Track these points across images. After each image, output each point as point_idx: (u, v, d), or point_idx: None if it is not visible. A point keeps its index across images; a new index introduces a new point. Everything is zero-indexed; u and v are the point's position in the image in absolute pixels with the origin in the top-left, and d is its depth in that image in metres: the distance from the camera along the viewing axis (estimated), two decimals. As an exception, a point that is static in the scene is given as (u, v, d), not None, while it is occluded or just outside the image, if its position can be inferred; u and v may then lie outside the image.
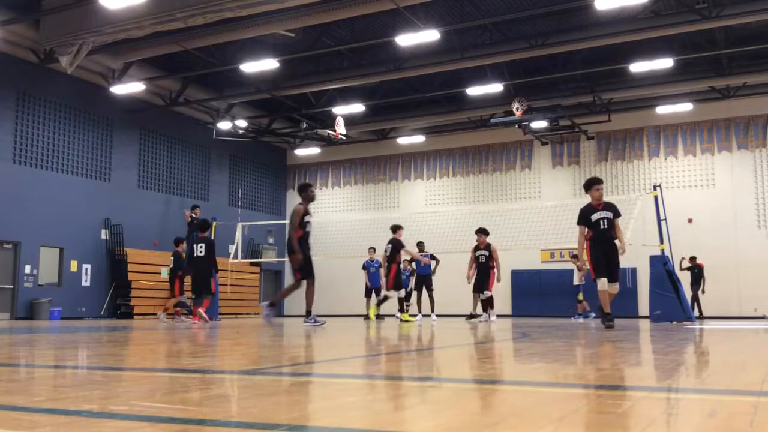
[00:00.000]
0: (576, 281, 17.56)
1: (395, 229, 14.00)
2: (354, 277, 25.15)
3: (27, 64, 17.69)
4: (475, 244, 13.81)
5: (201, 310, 12.74)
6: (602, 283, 8.42)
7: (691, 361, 3.89)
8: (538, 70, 19.41)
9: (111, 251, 19.87)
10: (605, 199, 8.92)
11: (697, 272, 18.80)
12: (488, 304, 13.55)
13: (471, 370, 3.41)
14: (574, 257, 18.24)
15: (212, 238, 14.73)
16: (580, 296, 17.28)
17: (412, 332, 7.94)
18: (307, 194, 9.62)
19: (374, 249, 18.07)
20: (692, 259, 18.78)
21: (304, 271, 9.17)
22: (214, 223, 17.26)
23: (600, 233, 8.54)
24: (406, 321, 13.44)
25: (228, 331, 8.29)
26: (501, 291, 22.83)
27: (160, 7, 13.68)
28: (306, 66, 20.09)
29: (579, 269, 17.77)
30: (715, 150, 21.19)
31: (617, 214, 8.70)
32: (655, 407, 1.99)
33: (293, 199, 27.25)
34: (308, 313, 9.43)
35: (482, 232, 13.77)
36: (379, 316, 14.85)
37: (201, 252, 13.15)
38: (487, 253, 13.53)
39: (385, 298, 14.15)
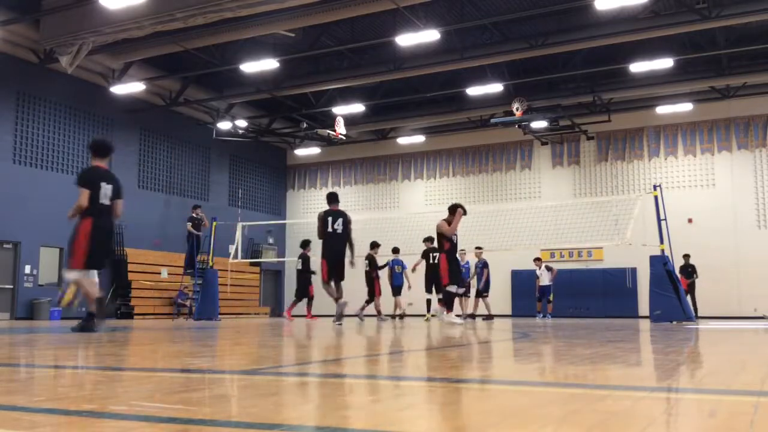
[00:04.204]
0: (547, 281, 18.25)
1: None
2: (354, 276, 25.16)
3: (27, 64, 17.68)
4: (425, 248, 14.81)
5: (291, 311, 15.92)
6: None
7: (691, 361, 3.89)
8: (538, 70, 19.41)
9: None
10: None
11: (690, 270, 18.77)
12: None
13: (471, 370, 3.41)
14: (538, 260, 18.48)
15: (308, 254, 16.15)
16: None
17: (415, 333, 7.95)
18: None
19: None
20: (686, 257, 18.72)
21: None
22: (214, 223, 17.26)
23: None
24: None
25: (228, 332, 8.29)
26: (501, 291, 22.87)
27: (160, 7, 13.69)
28: (306, 66, 20.08)
29: (549, 270, 18.17)
30: (715, 150, 21.19)
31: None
32: (655, 407, 1.99)
33: (293, 199, 27.26)
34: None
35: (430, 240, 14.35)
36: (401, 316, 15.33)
37: (299, 266, 15.99)
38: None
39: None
